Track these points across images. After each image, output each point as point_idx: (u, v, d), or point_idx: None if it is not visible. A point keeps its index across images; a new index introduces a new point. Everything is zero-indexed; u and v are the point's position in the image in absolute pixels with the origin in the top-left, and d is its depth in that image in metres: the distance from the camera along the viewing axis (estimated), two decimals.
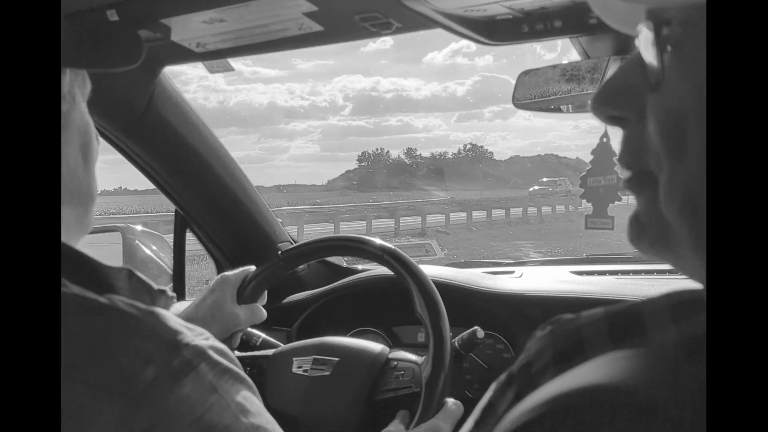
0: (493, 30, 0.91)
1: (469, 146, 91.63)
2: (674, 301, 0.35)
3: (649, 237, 0.39)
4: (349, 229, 15.17)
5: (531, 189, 31.52)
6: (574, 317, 0.40)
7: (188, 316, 1.11)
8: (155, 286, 0.62)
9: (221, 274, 1.18)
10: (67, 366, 0.51)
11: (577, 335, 0.38)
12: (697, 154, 0.32)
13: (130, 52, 0.73)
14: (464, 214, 18.78)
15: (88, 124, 0.69)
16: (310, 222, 14.60)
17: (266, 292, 1.20)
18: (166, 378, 0.53)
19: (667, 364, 0.30)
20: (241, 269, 1.19)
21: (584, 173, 1.00)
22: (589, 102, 0.40)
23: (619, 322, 0.37)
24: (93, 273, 0.59)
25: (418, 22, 0.91)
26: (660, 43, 0.35)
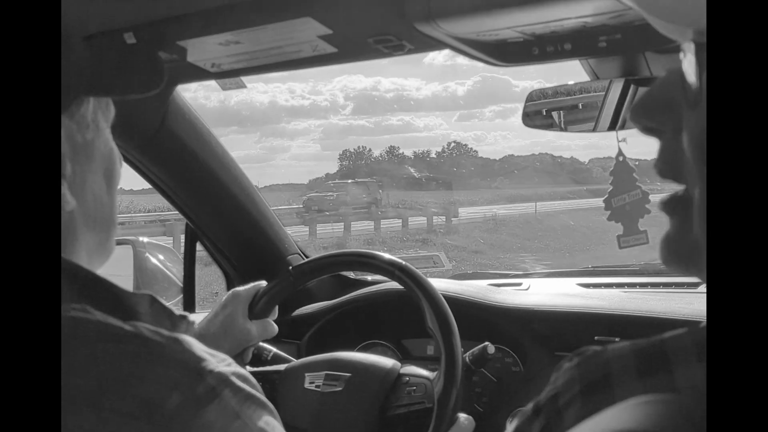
0: (504, 52, 0.92)
1: (453, 144, 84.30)
2: (699, 338, 0.36)
3: (680, 257, 0.40)
4: (359, 229, 15.22)
5: (306, 197, 23.30)
6: (601, 350, 0.40)
7: (200, 332, 1.12)
8: (176, 312, 0.63)
9: (232, 290, 1.19)
10: (91, 393, 0.52)
11: (604, 369, 0.38)
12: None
13: (151, 78, 0.74)
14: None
15: (111, 150, 0.69)
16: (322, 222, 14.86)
17: (277, 307, 1.21)
18: (191, 405, 0.54)
19: (697, 411, 0.31)
20: (252, 285, 1.20)
21: (606, 195, 1.01)
22: (629, 110, 0.42)
23: (646, 358, 0.37)
24: (116, 299, 0.60)
25: (430, 44, 0.92)
26: (701, 63, 0.36)
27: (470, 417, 1.02)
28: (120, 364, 0.54)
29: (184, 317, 0.64)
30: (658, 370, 0.36)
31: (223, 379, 0.56)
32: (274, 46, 0.96)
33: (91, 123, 0.66)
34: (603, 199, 0.97)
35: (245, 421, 0.56)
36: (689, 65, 0.37)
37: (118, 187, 0.71)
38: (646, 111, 0.41)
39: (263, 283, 1.21)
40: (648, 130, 0.41)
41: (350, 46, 0.95)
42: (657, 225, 0.46)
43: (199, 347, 0.58)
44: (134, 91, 0.71)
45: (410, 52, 0.97)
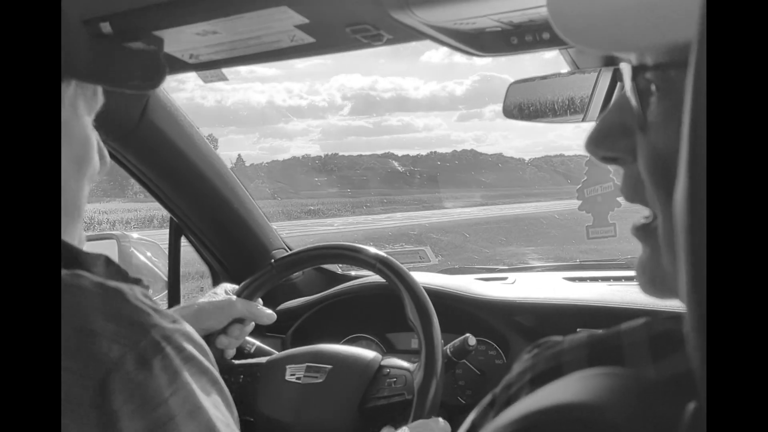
0: (482, 42, 0.92)
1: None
2: (654, 333, 0.36)
3: (656, 283, 0.39)
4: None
5: None
6: (560, 341, 0.40)
7: (184, 308, 1.12)
8: (131, 275, 0.62)
9: (222, 284, 1.21)
10: None
11: (557, 359, 0.38)
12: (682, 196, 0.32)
13: (153, 75, 0.73)
14: None
15: (87, 138, 0.68)
16: None
17: (260, 300, 1.21)
18: (133, 358, 0.53)
19: (640, 386, 0.31)
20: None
21: (580, 185, 1.01)
22: (584, 143, 0.41)
23: (599, 350, 0.37)
24: (70, 257, 0.59)
25: (409, 34, 0.92)
26: (639, 85, 0.35)
27: (447, 423, 1.01)
28: (64, 317, 0.53)
29: (139, 280, 0.63)
30: (610, 363, 0.35)
31: (166, 336, 0.55)
32: (252, 36, 0.96)
33: (69, 105, 0.65)
34: (576, 188, 0.97)
35: (186, 380, 0.55)
36: (630, 89, 0.37)
37: (92, 177, 0.69)
38: (601, 141, 0.40)
39: None
40: (607, 160, 0.40)
41: (328, 36, 0.95)
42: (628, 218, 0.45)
43: (143, 301, 0.57)
44: (128, 85, 0.70)
45: (389, 42, 0.96)
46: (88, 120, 0.68)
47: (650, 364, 0.34)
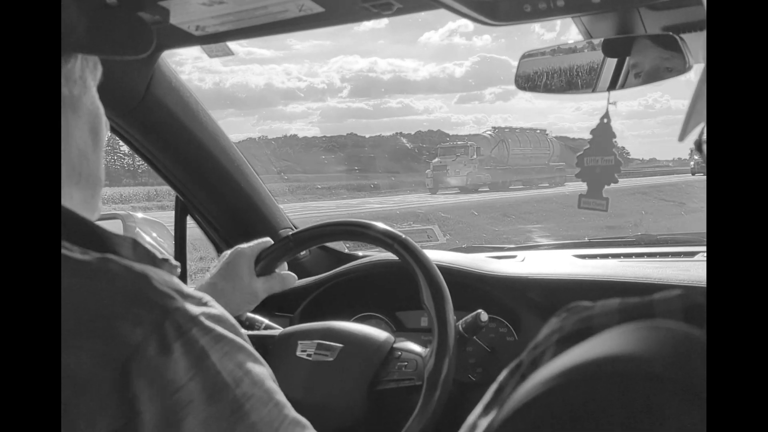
0: (495, 10, 0.90)
1: None
2: (688, 304, 0.35)
3: None
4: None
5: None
6: (590, 306, 0.40)
7: (207, 289, 1.10)
8: (159, 255, 0.62)
9: (236, 247, 1.16)
10: (68, 331, 0.51)
11: (587, 323, 0.38)
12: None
13: (140, 41, 0.73)
14: None
15: (98, 108, 0.69)
16: None
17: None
18: (155, 342, 0.53)
19: (678, 336, 0.30)
20: (256, 242, 1.17)
21: (581, 152, 0.99)
22: None
23: (631, 317, 0.36)
24: (97, 239, 0.59)
25: (420, 2, 0.90)
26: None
27: None
28: (86, 300, 0.53)
29: (166, 260, 0.63)
30: None
31: (190, 318, 0.55)
32: (259, 6, 0.94)
33: (79, 79, 0.66)
34: (577, 155, 0.95)
35: (215, 360, 0.55)
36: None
37: (104, 147, 0.71)
38: None
39: (268, 240, 1.18)
40: None
41: (337, 5, 0.93)
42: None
43: (169, 283, 0.57)
44: (122, 52, 0.70)
45: (399, 12, 0.94)
46: (95, 90, 0.69)
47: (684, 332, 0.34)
